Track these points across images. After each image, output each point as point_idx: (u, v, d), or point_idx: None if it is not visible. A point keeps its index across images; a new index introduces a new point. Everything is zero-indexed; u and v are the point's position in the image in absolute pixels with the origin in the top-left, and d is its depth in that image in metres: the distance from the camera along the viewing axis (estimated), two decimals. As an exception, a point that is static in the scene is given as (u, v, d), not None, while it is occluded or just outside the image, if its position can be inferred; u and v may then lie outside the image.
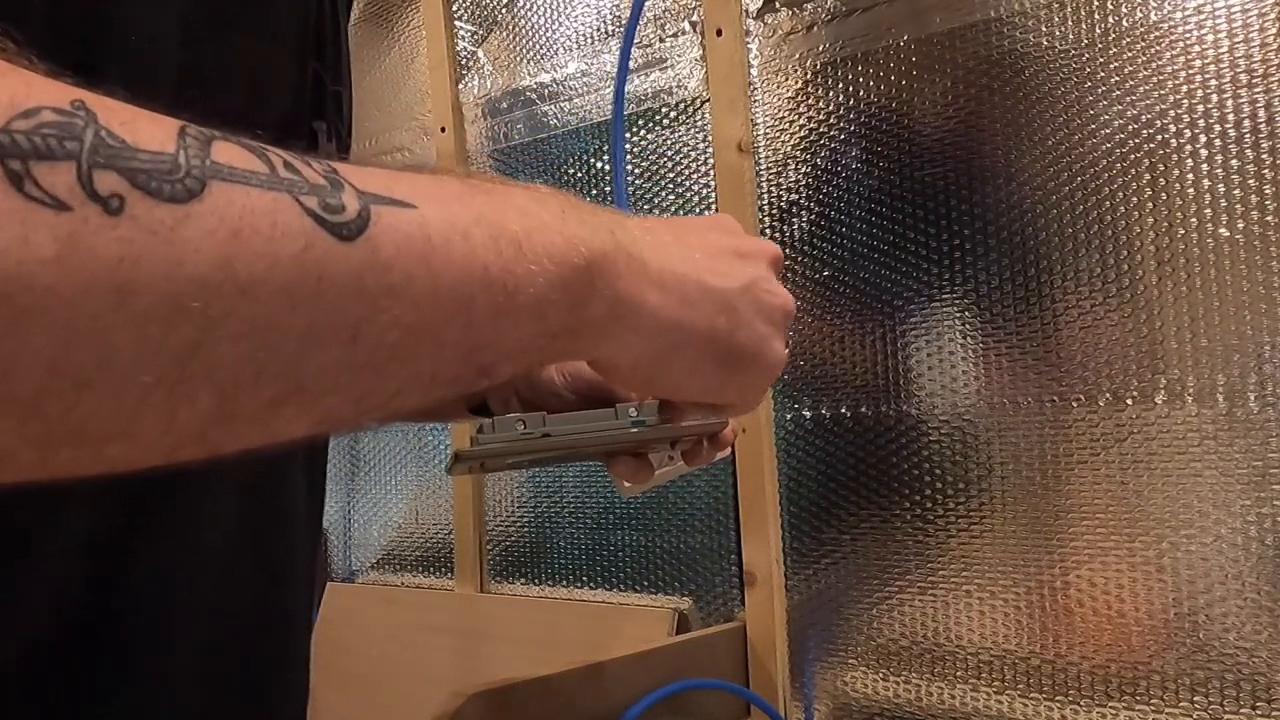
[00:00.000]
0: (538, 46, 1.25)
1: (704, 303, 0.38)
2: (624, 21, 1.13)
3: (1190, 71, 0.80)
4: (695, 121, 1.10)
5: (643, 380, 0.39)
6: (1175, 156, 0.80)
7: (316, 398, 0.26)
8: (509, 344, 0.30)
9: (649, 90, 1.13)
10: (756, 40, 1.04)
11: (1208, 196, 0.79)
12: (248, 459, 0.29)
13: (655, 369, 0.38)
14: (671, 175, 1.12)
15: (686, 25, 1.11)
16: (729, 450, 0.55)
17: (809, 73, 1.00)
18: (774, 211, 1.03)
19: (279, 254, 0.24)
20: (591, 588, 1.18)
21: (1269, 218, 0.76)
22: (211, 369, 0.24)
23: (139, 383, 0.23)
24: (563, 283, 0.31)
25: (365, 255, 0.26)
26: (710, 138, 1.07)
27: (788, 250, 1.02)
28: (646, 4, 1.13)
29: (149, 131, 0.23)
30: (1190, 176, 0.80)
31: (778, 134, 1.03)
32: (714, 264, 0.39)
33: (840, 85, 0.98)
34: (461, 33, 1.33)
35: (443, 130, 1.33)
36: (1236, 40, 0.78)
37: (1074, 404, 0.85)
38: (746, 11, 1.05)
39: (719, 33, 1.05)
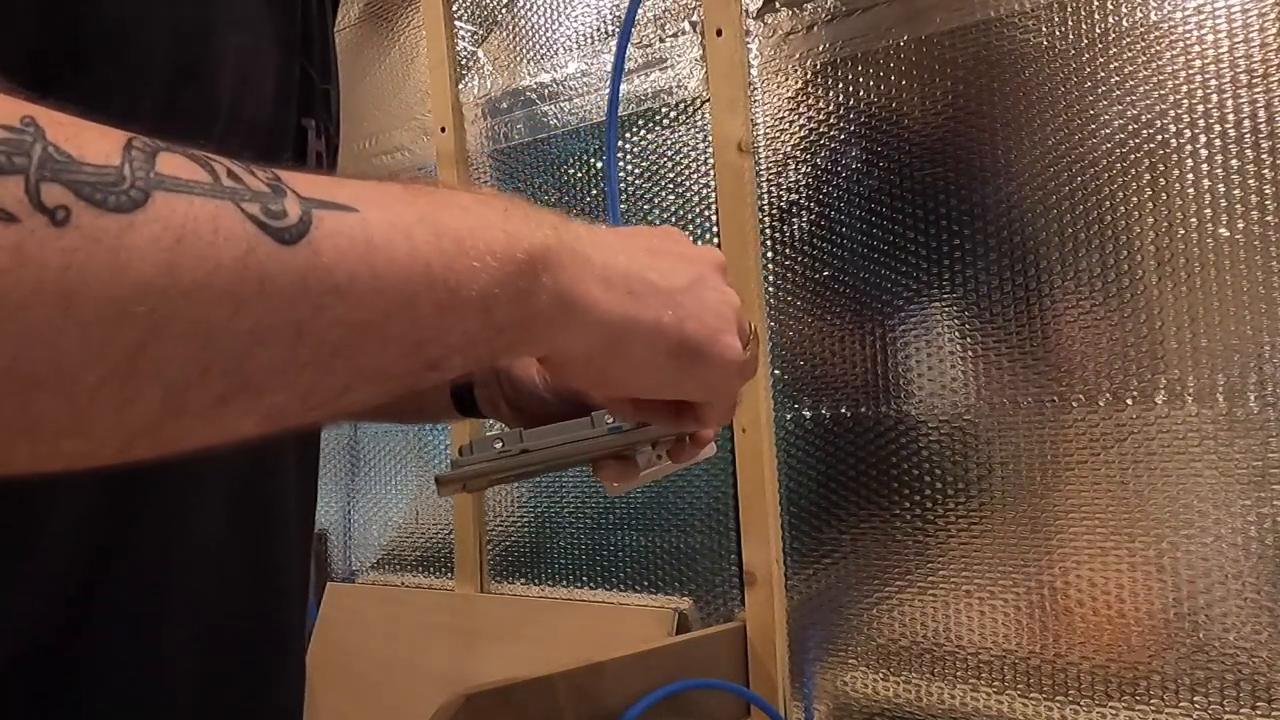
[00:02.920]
0: (538, 46, 1.25)
1: (649, 297, 0.39)
2: (623, 21, 1.13)
3: (1190, 71, 0.80)
4: (695, 121, 1.10)
5: (596, 375, 0.39)
6: (1175, 156, 0.80)
7: (263, 394, 0.27)
8: (455, 338, 0.32)
9: (649, 90, 1.13)
10: (756, 40, 1.04)
11: (1208, 196, 0.79)
12: (236, 451, 0.29)
13: (607, 362, 0.38)
14: (671, 175, 1.12)
15: (686, 25, 1.11)
16: (714, 448, 0.56)
17: (809, 73, 1.00)
18: (774, 211, 1.03)
19: (221, 259, 0.25)
20: (591, 588, 1.18)
21: (1269, 218, 0.76)
22: (158, 368, 0.25)
23: (88, 382, 0.24)
24: (506, 277, 0.32)
25: (307, 257, 0.27)
26: (710, 138, 1.07)
27: (787, 250, 1.02)
28: (647, 4, 1.13)
29: (95, 145, 0.24)
30: (1190, 176, 0.80)
31: (778, 134, 1.03)
32: (658, 263, 0.41)
33: (840, 85, 0.98)
34: (461, 33, 1.33)
35: (443, 130, 1.33)
36: (1236, 40, 0.78)
37: (1074, 404, 0.85)
38: (746, 11, 1.05)
39: (719, 33, 1.05)
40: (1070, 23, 0.85)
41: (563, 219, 0.37)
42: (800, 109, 1.01)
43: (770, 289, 1.03)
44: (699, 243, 1.07)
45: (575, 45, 1.21)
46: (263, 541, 0.47)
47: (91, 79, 0.34)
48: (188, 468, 0.30)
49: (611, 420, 0.49)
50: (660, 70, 1.13)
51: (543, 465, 0.52)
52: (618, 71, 1.11)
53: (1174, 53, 0.80)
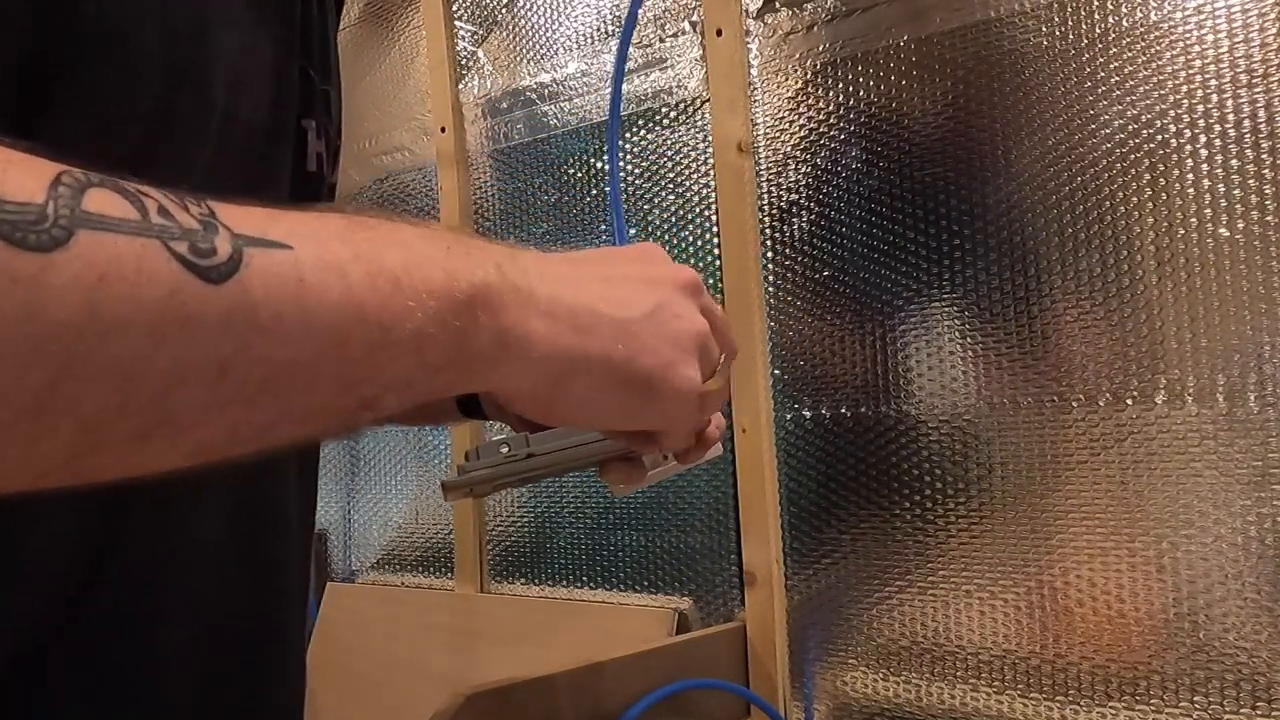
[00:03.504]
0: (538, 46, 1.25)
1: (598, 330, 0.38)
2: (624, 21, 1.12)
3: (1190, 71, 0.80)
4: (695, 121, 1.10)
5: (544, 409, 0.38)
6: (1175, 156, 0.80)
7: (185, 430, 0.27)
8: (389, 378, 0.31)
9: (649, 90, 1.13)
10: (756, 40, 1.04)
11: (1208, 196, 0.79)
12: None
13: (553, 397, 0.38)
14: (671, 175, 1.12)
15: (686, 25, 1.11)
16: (720, 448, 0.55)
17: (809, 73, 1.00)
18: (774, 211, 1.03)
19: (144, 298, 0.25)
20: (591, 588, 1.18)
21: (1269, 218, 0.76)
22: (73, 404, 0.25)
23: None
24: (441, 317, 0.32)
25: (234, 296, 0.27)
26: (710, 138, 1.07)
27: (787, 250, 1.02)
28: (647, 4, 1.13)
29: (19, 182, 0.24)
30: (1190, 176, 0.80)
31: (778, 134, 1.03)
32: (612, 292, 0.40)
33: (840, 85, 0.98)
34: (461, 33, 1.33)
35: (443, 130, 1.33)
36: (1236, 40, 0.78)
37: (1074, 404, 0.85)
38: (746, 11, 1.05)
39: (719, 33, 1.05)
40: (1070, 23, 0.85)
41: (512, 253, 0.36)
42: (800, 109, 1.01)
43: (770, 289, 1.03)
44: (700, 243, 1.08)
45: (575, 45, 1.21)
46: (262, 541, 0.47)
47: (86, 81, 0.35)
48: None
49: None
50: (660, 70, 1.13)
51: (549, 470, 0.52)
52: (619, 72, 1.11)
53: (1174, 53, 0.80)
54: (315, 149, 0.48)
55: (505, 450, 0.50)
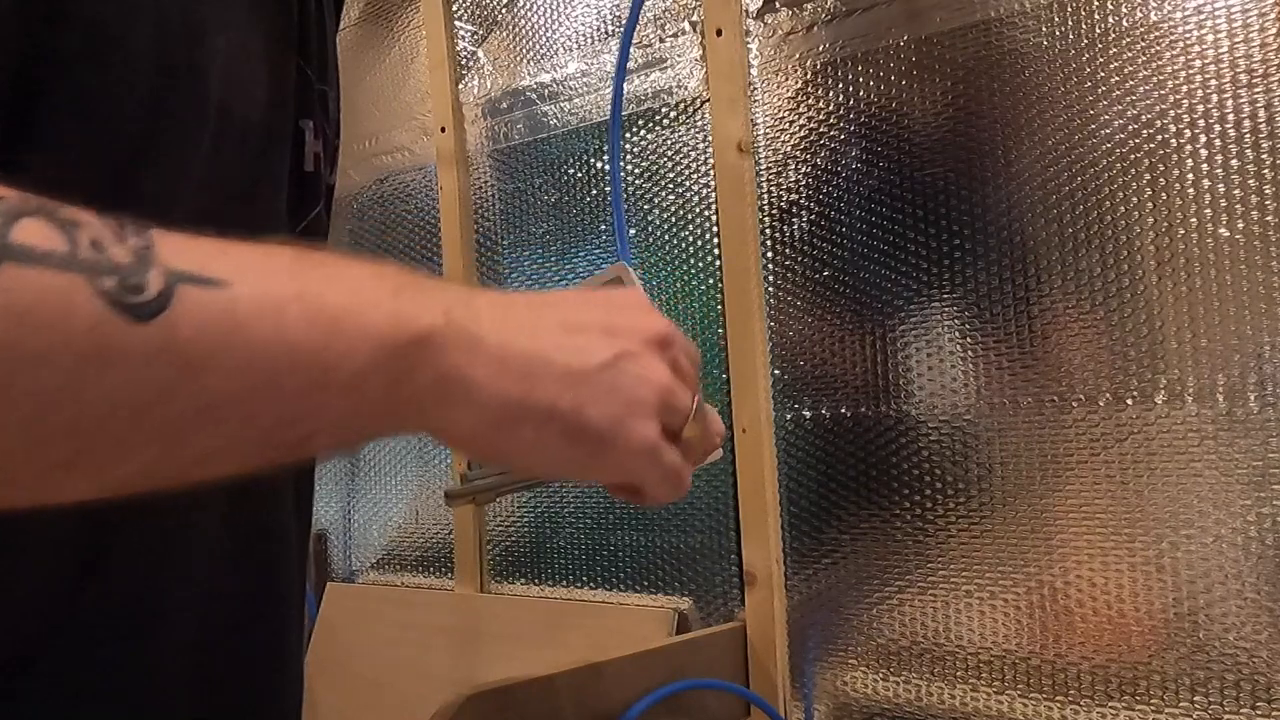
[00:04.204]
0: (538, 46, 1.25)
1: (547, 379, 0.37)
2: (624, 21, 1.12)
3: (1190, 71, 0.79)
4: (695, 121, 1.10)
5: (488, 451, 0.38)
6: (1175, 156, 0.80)
7: (105, 464, 0.27)
8: (325, 419, 0.31)
9: (649, 90, 1.13)
10: (756, 40, 1.04)
11: (1208, 196, 0.79)
12: None
13: (495, 443, 0.37)
14: (671, 175, 1.12)
15: (686, 25, 1.11)
16: (720, 452, 0.55)
17: (809, 73, 1.00)
18: (774, 211, 1.03)
19: (63, 335, 0.25)
20: (591, 588, 1.18)
21: (1269, 218, 0.76)
22: None
23: None
24: (378, 362, 0.31)
25: (160, 335, 0.26)
26: (710, 138, 1.07)
27: (787, 250, 1.02)
28: (647, 4, 1.13)
29: None
30: (1190, 176, 0.80)
31: (778, 134, 1.03)
32: (568, 340, 0.38)
33: (840, 85, 0.98)
34: (461, 33, 1.33)
35: (443, 130, 1.33)
36: (1236, 40, 0.77)
37: (1074, 404, 0.85)
38: (746, 11, 1.05)
39: (719, 33, 1.05)
40: (1070, 23, 0.85)
41: (467, 296, 0.36)
42: (800, 109, 1.01)
43: (770, 289, 1.03)
44: (700, 243, 1.07)
45: (575, 45, 1.21)
46: (259, 545, 0.47)
47: (80, 81, 0.35)
48: None
49: None
50: (660, 70, 1.13)
51: (549, 479, 0.52)
52: (620, 71, 1.11)
53: (1174, 53, 0.80)
54: (313, 149, 0.48)
55: None
